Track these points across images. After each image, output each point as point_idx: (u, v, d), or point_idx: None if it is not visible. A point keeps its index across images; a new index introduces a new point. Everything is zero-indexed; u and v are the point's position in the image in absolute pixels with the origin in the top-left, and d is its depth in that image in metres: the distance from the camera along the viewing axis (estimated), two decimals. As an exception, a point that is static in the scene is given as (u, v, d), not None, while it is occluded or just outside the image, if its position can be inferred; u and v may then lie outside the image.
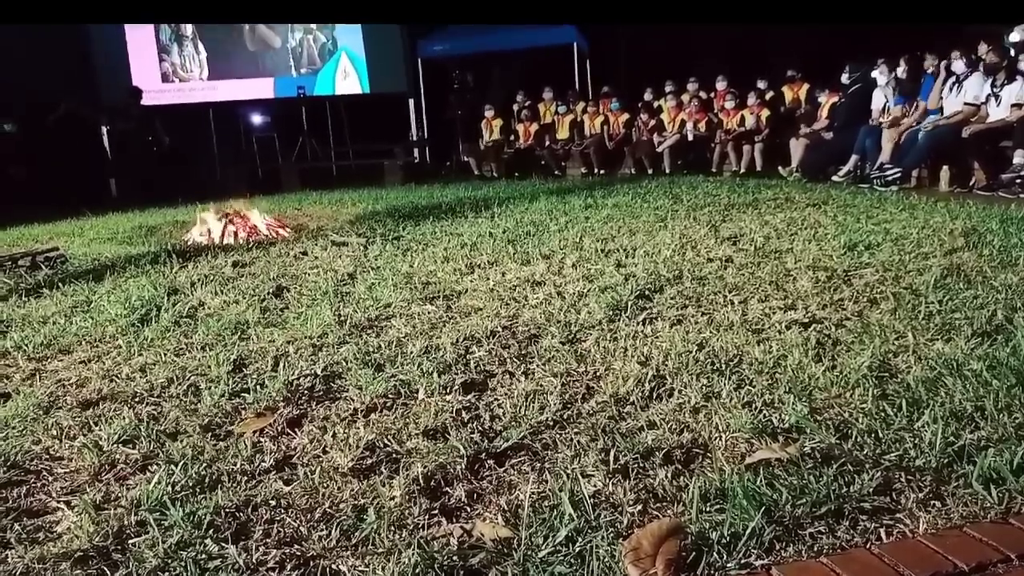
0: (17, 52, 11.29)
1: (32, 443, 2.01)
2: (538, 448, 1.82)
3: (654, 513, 1.50)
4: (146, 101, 11.41)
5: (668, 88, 11.21)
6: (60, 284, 3.96)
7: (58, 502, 1.72)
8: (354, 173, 12.10)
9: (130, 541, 1.51)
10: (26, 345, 2.85)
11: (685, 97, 11.13)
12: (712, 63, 11.58)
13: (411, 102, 14.03)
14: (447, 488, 1.67)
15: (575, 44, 13.58)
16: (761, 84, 10.66)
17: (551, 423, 1.94)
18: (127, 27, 12.67)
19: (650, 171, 10.75)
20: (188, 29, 13.09)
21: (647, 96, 11.62)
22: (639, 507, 1.52)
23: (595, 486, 1.60)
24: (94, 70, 12.44)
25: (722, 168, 10.18)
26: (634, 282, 3.31)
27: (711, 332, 2.60)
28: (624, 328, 2.70)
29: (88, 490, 1.75)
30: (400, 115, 14.19)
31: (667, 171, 10.54)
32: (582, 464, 1.70)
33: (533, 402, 2.07)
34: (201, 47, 13.20)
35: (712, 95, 11.03)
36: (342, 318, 3.03)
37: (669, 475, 1.63)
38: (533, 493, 1.58)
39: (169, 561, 1.42)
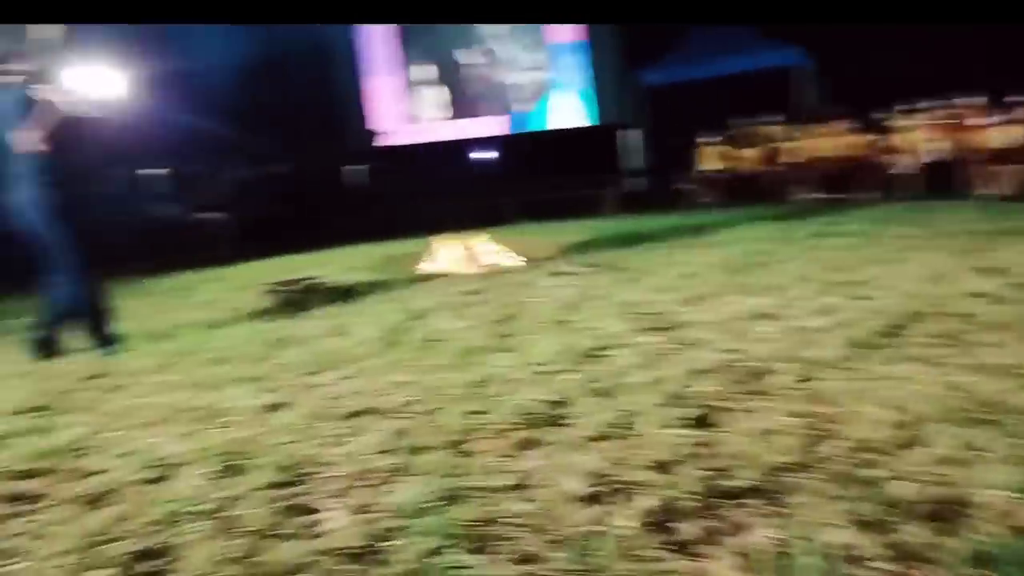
0: (282, 102, 13.02)
1: (304, 448, 2.29)
2: (773, 491, 1.76)
3: (908, 573, 1.39)
4: (388, 142, 12.56)
5: (910, 106, 10.32)
6: (322, 307, 4.48)
7: (324, 503, 1.95)
8: (576, 203, 12.40)
9: (385, 544, 1.68)
10: (297, 361, 3.26)
11: (930, 115, 10.17)
12: (962, 77, 10.49)
13: (631, 132, 14.16)
14: (676, 523, 1.66)
15: (801, 65, 12.96)
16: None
17: (787, 466, 1.87)
18: (370, 75, 14.09)
19: (890, 195, 9.93)
20: (432, 73, 14.24)
21: (885, 115, 10.78)
22: (892, 565, 1.42)
23: (839, 537, 1.51)
24: (345, 116, 13.98)
25: (976, 192, 9.15)
26: (876, 317, 3.08)
27: (969, 376, 2.35)
28: (867, 368, 2.52)
29: (349, 494, 1.97)
30: (621, 145, 14.36)
31: (909, 195, 9.68)
32: (823, 512, 1.62)
33: (767, 442, 2.00)
34: (439, 90, 14.30)
35: (962, 112, 9.98)
36: (567, 346, 3.12)
37: (923, 532, 1.51)
38: (769, 538, 1.54)
39: (420, 567, 1.56)
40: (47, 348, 3.90)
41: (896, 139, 10.21)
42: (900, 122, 10.32)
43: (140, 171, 10.81)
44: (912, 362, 2.55)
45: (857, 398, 2.27)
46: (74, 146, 3.90)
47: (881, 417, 2.08)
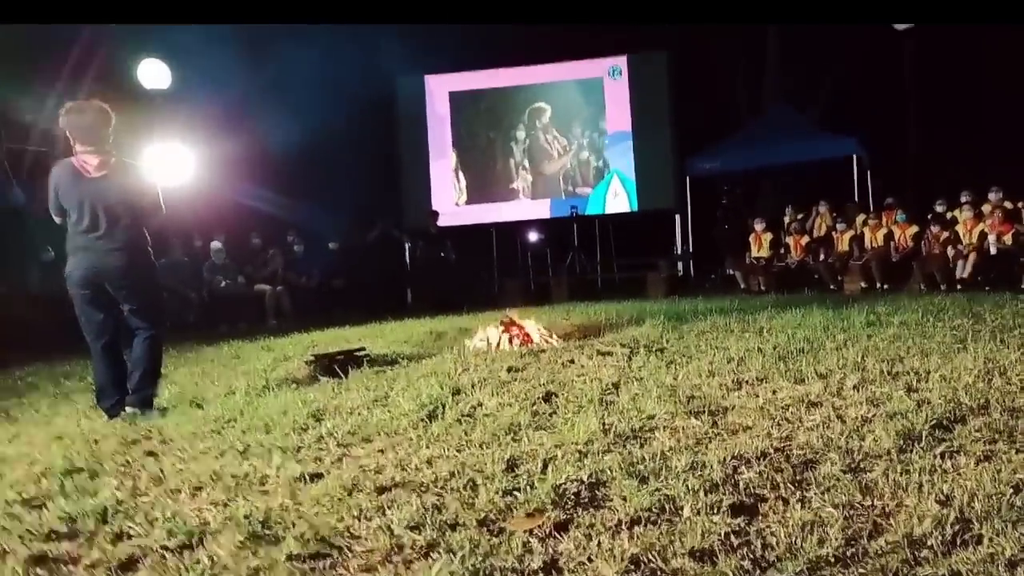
0: (344, 182, 13.50)
1: (336, 520, 2.27)
2: (817, 584, 1.68)
3: None
4: (441, 222, 12.86)
5: (964, 198, 10.22)
6: (364, 379, 4.51)
7: (355, 578, 1.92)
8: (619, 286, 12.44)
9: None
10: (336, 432, 3.27)
11: (986, 208, 10.05)
12: (1021, 169, 10.38)
13: (677, 217, 14.27)
14: (714, 614, 1.60)
15: (855, 155, 12.99)
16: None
17: (832, 559, 1.79)
18: (431, 157, 14.56)
19: (943, 287, 9.72)
20: (486, 156, 14.67)
21: (939, 207, 10.68)
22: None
23: (885, 636, 1.43)
24: (402, 195, 14.42)
25: (1038, 286, 8.89)
26: (929, 410, 2.97)
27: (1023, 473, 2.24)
28: (918, 461, 2.42)
29: (379, 570, 1.93)
30: (666, 230, 14.47)
31: (963, 288, 9.46)
32: (869, 609, 1.54)
33: (811, 534, 1.92)
34: (494, 172, 14.70)
35: (1021, 205, 9.84)
36: (607, 427, 3.07)
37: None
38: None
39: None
40: (116, 407, 4.03)
41: (956, 230, 10.06)
42: (960, 213, 10.19)
43: (201, 243, 11.21)
44: (967, 457, 2.44)
45: (906, 492, 2.17)
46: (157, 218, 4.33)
47: (932, 512, 1.98)
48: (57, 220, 4.11)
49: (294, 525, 2.23)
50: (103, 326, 4.08)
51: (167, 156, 8.93)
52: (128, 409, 4.02)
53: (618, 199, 14.36)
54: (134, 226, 4.09)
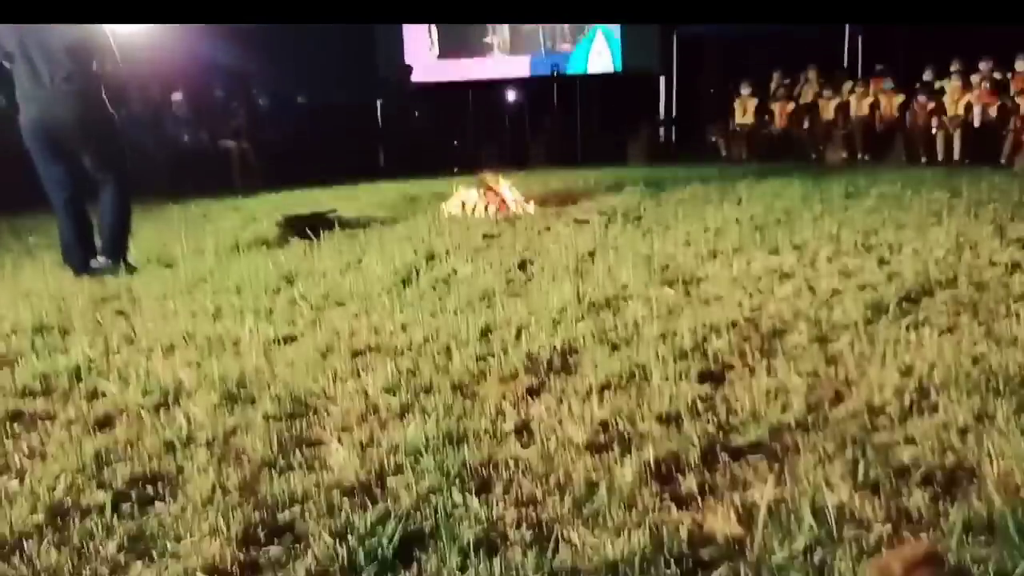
0: (312, 31, 12.76)
1: (312, 382, 2.30)
2: (777, 449, 1.74)
3: (906, 537, 1.38)
4: (415, 78, 12.33)
5: (954, 68, 9.98)
6: (337, 242, 4.47)
7: (328, 437, 1.96)
8: (599, 151, 12.24)
9: (389, 480, 1.68)
10: (309, 295, 3.26)
11: (975, 78, 9.85)
12: (1012, 40, 10.10)
13: (662, 80, 13.84)
14: (678, 476, 1.66)
15: (846, 23, 12.53)
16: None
17: (793, 425, 1.85)
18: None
19: (924, 159, 9.70)
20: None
21: (927, 76, 10.44)
22: (889, 527, 1.40)
23: (840, 498, 1.50)
24: (373, 47, 13.70)
25: (1014, 160, 8.90)
26: (899, 282, 3.02)
27: (989, 346, 2.30)
28: (884, 332, 2.48)
29: (355, 430, 1.97)
30: (650, 94, 14.05)
31: (945, 160, 9.45)
32: (826, 473, 1.60)
33: (775, 400, 1.98)
34: (470, 27, 13.94)
35: (1009, 76, 9.64)
36: (581, 295, 3.10)
37: (926, 497, 1.49)
38: (770, 495, 1.52)
39: (421, 503, 1.57)
40: (83, 265, 3.96)
41: (943, 100, 9.90)
42: (948, 83, 9.99)
43: (160, 95, 10.71)
44: (931, 329, 2.50)
45: (870, 362, 2.23)
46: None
47: (893, 382, 2.04)
48: (6, 64, 3.86)
49: (269, 386, 2.25)
50: (64, 179, 3.93)
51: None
52: (97, 265, 3.96)
53: (602, 58, 13.82)
54: (84, 73, 3.84)
